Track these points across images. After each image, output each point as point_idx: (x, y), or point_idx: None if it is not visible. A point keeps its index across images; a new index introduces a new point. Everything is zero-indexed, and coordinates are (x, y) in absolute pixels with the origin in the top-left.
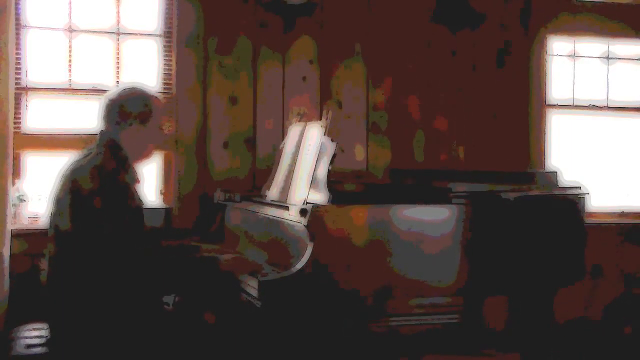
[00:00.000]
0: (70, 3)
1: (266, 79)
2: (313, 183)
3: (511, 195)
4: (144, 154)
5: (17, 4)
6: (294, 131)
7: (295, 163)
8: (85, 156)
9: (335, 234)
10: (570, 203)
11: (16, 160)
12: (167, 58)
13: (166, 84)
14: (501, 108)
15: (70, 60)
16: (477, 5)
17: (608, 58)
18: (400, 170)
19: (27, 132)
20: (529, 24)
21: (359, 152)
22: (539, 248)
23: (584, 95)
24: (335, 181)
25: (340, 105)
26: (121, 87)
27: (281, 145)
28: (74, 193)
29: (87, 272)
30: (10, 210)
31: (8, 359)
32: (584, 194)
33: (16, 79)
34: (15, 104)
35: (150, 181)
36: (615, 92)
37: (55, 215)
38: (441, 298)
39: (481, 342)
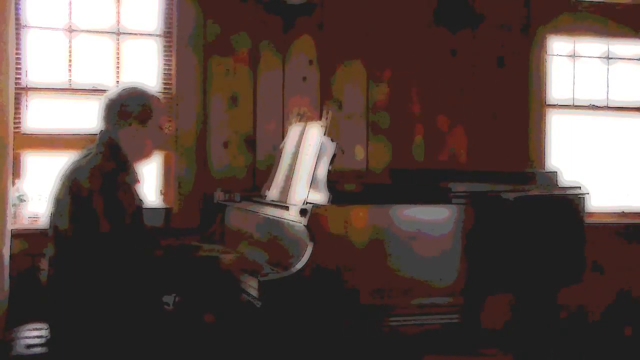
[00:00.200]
0: (70, 3)
1: (266, 79)
2: (313, 183)
3: (511, 195)
4: (143, 154)
5: (17, 4)
6: (294, 131)
7: (295, 163)
8: (85, 156)
9: (335, 234)
10: (570, 203)
11: (16, 160)
12: (167, 58)
13: (166, 84)
14: (501, 108)
15: (70, 60)
16: (477, 5)
17: (608, 58)
18: (400, 170)
19: (27, 132)
20: (529, 24)
21: (359, 152)
22: (539, 248)
23: (584, 95)
24: (335, 181)
25: (340, 105)
26: (121, 87)
27: (281, 145)
28: (73, 193)
29: (87, 272)
30: (10, 210)
31: (8, 359)
32: (584, 194)
33: (16, 79)
34: (15, 104)
35: (150, 181)
36: (615, 92)
37: (55, 215)
38: (441, 298)
39: (481, 342)
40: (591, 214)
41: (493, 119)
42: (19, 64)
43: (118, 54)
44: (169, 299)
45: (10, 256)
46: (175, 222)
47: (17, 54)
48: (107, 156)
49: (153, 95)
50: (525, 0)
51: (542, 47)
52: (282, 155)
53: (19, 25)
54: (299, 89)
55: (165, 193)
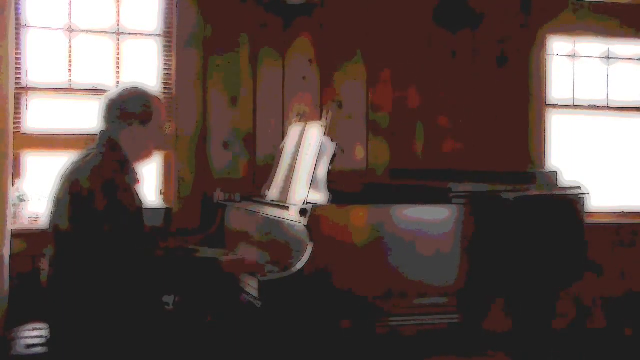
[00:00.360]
0: (70, 3)
1: (266, 79)
2: (313, 183)
3: (511, 195)
4: (144, 155)
5: (17, 4)
6: (294, 131)
7: (295, 163)
8: (85, 156)
9: (336, 234)
10: (570, 203)
11: (16, 160)
12: (167, 58)
13: (166, 84)
14: (501, 108)
15: (70, 60)
16: (477, 5)
17: (608, 58)
18: (400, 170)
19: (27, 132)
20: (529, 24)
21: (359, 152)
22: (539, 248)
23: (584, 95)
24: (335, 181)
25: (340, 105)
26: (122, 87)
27: (281, 145)
28: (73, 193)
29: (87, 272)
30: (10, 210)
31: (8, 359)
32: (584, 194)
33: (16, 79)
34: (15, 104)
35: (150, 181)
36: (615, 92)
37: (55, 215)
38: (441, 298)
39: (482, 342)
40: (591, 214)
41: (493, 119)
42: (19, 64)
43: (118, 54)
44: (169, 299)
45: (10, 256)
46: (175, 222)
47: (17, 54)
48: (108, 156)
49: (154, 96)
50: (525, 1)
51: (542, 47)
52: (282, 155)
53: (19, 25)
54: (299, 88)
55: (165, 193)
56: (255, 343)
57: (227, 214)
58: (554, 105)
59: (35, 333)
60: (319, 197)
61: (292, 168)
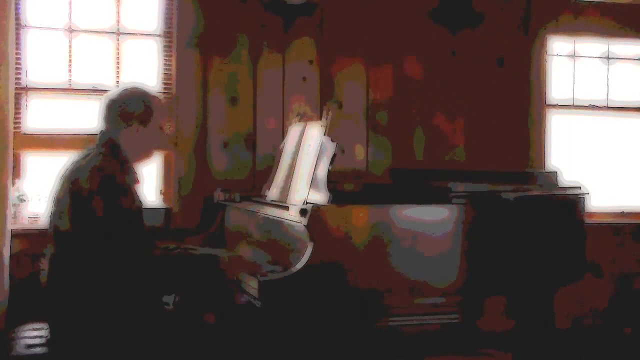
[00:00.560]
0: (70, 3)
1: (266, 79)
2: (313, 183)
3: (511, 195)
4: (144, 155)
5: (17, 4)
6: (294, 131)
7: (295, 163)
8: (85, 156)
9: (336, 234)
10: (570, 203)
11: (16, 160)
12: (167, 58)
13: (166, 84)
14: (501, 108)
15: (70, 60)
16: (477, 5)
17: (608, 58)
18: (400, 170)
19: (27, 132)
20: (529, 24)
21: (359, 152)
22: (539, 248)
23: (584, 95)
24: (335, 181)
25: (340, 105)
26: (122, 87)
27: (281, 145)
28: (73, 193)
29: (87, 272)
30: (10, 210)
31: (8, 359)
32: (584, 194)
33: (16, 79)
34: (15, 104)
35: (150, 181)
36: (615, 92)
37: (55, 215)
38: (441, 298)
39: (482, 341)
40: (591, 214)
41: (493, 119)
42: (19, 64)
43: (118, 54)
44: (169, 299)
45: (10, 256)
46: (175, 222)
47: (17, 54)
48: (108, 156)
49: (154, 96)
50: (525, 1)
51: (542, 47)
52: (282, 155)
53: (19, 25)
54: (299, 88)
55: (165, 193)
56: (255, 343)
57: (227, 214)
58: (554, 105)
59: (35, 333)
60: (319, 197)
61: (292, 168)
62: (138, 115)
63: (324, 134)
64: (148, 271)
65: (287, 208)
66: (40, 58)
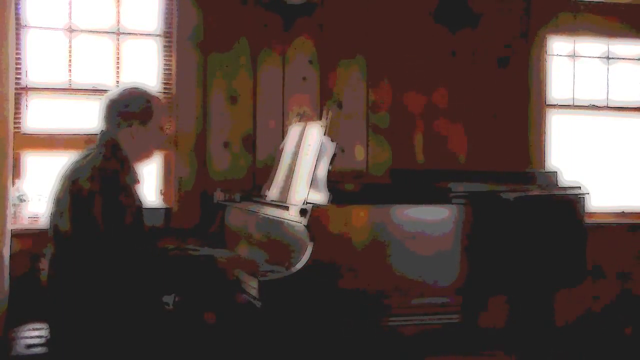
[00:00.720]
0: (70, 3)
1: (266, 79)
2: (313, 183)
3: (511, 195)
4: (144, 155)
5: (17, 4)
6: (294, 131)
7: (295, 163)
8: (86, 156)
9: (335, 234)
10: (570, 203)
11: (16, 160)
12: (167, 58)
13: (166, 84)
14: (501, 108)
15: (70, 60)
16: (477, 5)
17: (608, 58)
18: (400, 170)
19: (27, 132)
20: (529, 24)
21: (359, 152)
22: (539, 248)
23: (584, 95)
24: (335, 181)
25: (340, 105)
26: (122, 87)
27: (281, 145)
28: (73, 193)
29: (87, 272)
30: (10, 210)
31: (8, 359)
32: (584, 194)
33: (16, 79)
34: (15, 104)
35: (150, 181)
36: (615, 92)
37: (55, 215)
38: (441, 298)
39: (481, 342)
40: (591, 214)
41: (493, 119)
42: (19, 64)
43: (118, 54)
44: (169, 299)
45: (10, 256)
46: (175, 222)
47: (17, 54)
48: (108, 156)
49: (154, 96)
50: (525, 0)
51: (542, 47)
52: (282, 155)
53: (19, 25)
54: (298, 88)
55: (165, 193)
56: (255, 343)
57: (227, 214)
58: (554, 105)
59: (35, 333)
60: (319, 197)
61: (292, 168)
62: (138, 116)
63: (324, 134)
64: (148, 271)
65: (287, 208)
66: (40, 58)
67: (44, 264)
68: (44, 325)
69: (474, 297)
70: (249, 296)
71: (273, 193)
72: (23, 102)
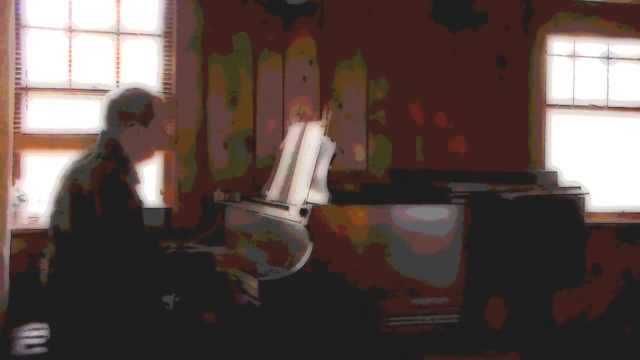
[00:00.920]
0: (70, 3)
1: (266, 79)
2: (313, 183)
3: (511, 195)
4: (145, 155)
5: (17, 4)
6: (294, 131)
7: (295, 163)
8: (86, 156)
9: (335, 234)
10: (570, 203)
11: (16, 160)
12: (167, 58)
13: (166, 84)
14: (501, 108)
15: (70, 60)
16: (477, 5)
17: (608, 58)
18: (400, 170)
19: (27, 132)
20: (529, 24)
21: (359, 152)
22: (539, 248)
23: (584, 95)
24: (335, 181)
25: (340, 105)
26: (123, 87)
27: (281, 145)
28: (74, 193)
29: (87, 272)
30: (10, 210)
31: (8, 359)
32: (584, 194)
33: (16, 79)
34: (15, 104)
35: (150, 181)
36: (615, 92)
37: (56, 215)
38: (441, 298)
39: (481, 342)
40: (591, 214)
41: (493, 119)
42: (19, 64)
43: (118, 54)
44: (169, 299)
45: (10, 256)
46: (175, 222)
47: (17, 54)
48: (108, 157)
49: (155, 96)
50: (525, 0)
51: (542, 47)
52: (282, 155)
53: (19, 25)
54: (299, 88)
55: (165, 193)
56: (255, 343)
57: (227, 214)
58: (554, 105)
59: (35, 333)
60: (319, 197)
61: (292, 168)
62: (139, 116)
63: (324, 134)
64: (148, 271)
65: (287, 208)
66: (40, 58)
67: (44, 264)
68: (44, 325)
69: (473, 297)
70: (248, 296)
71: (273, 193)
72: (23, 102)
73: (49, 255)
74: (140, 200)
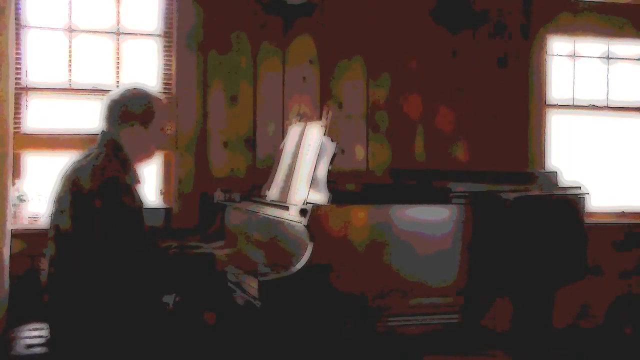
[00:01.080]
0: (70, 3)
1: (266, 79)
2: (313, 183)
3: (511, 195)
4: (145, 155)
5: (17, 4)
6: (294, 131)
7: (295, 163)
8: (86, 156)
9: (336, 234)
10: (570, 203)
11: (16, 160)
12: (167, 58)
13: (166, 84)
14: (501, 108)
15: (70, 60)
16: (477, 6)
17: (608, 58)
18: (400, 170)
19: (27, 132)
20: (529, 24)
21: (359, 152)
22: (539, 248)
23: (584, 95)
24: (335, 181)
25: (340, 105)
26: (124, 87)
27: (281, 145)
28: (74, 193)
29: (87, 272)
30: (10, 210)
31: (8, 359)
32: (584, 194)
33: (16, 79)
34: (15, 104)
35: (150, 181)
36: (615, 92)
37: (56, 215)
38: (441, 298)
39: (482, 342)
40: (591, 214)
41: (493, 119)
42: (19, 64)
43: (118, 54)
44: (169, 299)
45: (10, 256)
46: (175, 222)
47: (17, 54)
48: (109, 157)
49: (155, 97)
50: (525, 0)
51: (542, 47)
52: (282, 155)
53: (19, 25)
54: (299, 88)
55: (165, 193)
56: (255, 343)
57: (227, 214)
58: (554, 105)
59: (35, 333)
60: (319, 197)
61: (292, 168)
62: (140, 116)
63: (324, 134)
64: (148, 271)
65: (287, 208)
66: (40, 58)
67: (44, 264)
68: (44, 325)
69: (474, 297)
70: (248, 296)
71: (273, 193)
72: (23, 102)
73: (49, 255)
74: (141, 200)
